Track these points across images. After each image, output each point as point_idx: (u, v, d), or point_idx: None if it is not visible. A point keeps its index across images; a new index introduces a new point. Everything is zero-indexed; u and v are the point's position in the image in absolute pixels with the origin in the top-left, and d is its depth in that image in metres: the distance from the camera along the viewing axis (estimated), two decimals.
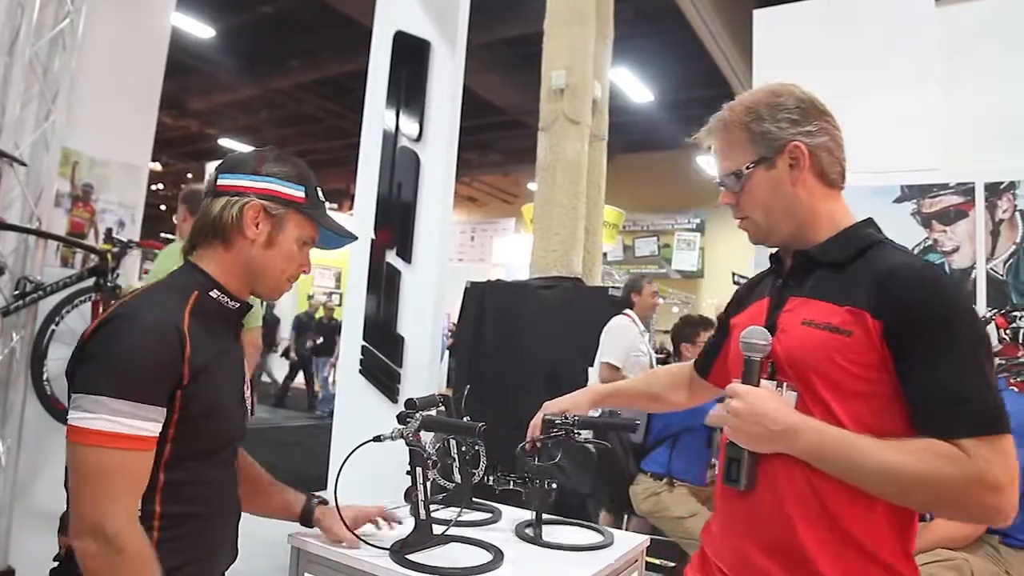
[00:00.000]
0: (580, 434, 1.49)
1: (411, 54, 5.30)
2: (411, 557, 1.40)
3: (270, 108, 15.17)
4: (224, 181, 1.34)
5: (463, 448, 1.73)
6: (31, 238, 3.20)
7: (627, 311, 4.43)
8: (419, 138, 5.04)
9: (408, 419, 1.49)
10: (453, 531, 1.50)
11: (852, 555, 1.10)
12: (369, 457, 1.53)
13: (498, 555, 1.50)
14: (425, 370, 4.81)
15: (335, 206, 19.43)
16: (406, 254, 4.92)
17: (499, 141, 16.00)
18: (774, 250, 1.36)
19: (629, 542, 1.59)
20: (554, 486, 1.50)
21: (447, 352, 9.48)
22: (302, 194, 1.36)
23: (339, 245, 1.48)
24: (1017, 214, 3.70)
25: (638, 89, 11.96)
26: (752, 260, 4.27)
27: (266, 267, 1.33)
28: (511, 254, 14.70)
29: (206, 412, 1.21)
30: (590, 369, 4.84)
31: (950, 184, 3.84)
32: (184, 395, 1.17)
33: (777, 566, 1.14)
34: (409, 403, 1.58)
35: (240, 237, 1.31)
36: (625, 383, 1.74)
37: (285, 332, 12.55)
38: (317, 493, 1.54)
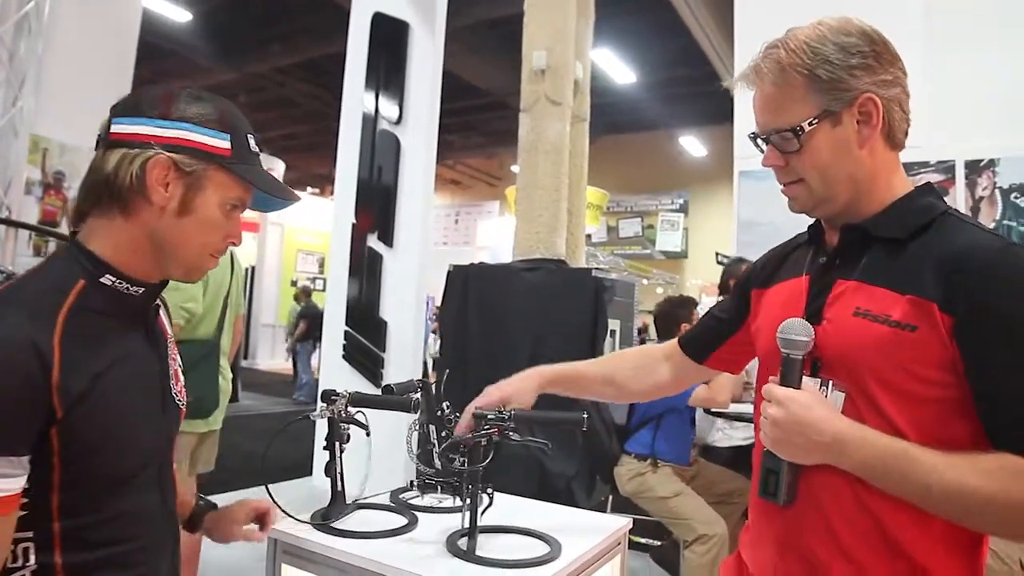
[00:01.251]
0: (514, 433, 1.32)
1: (390, 36, 5.23)
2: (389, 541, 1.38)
3: (248, 92, 14.96)
4: (120, 128, 1.00)
5: (443, 434, 1.70)
6: (2, 228, 3.14)
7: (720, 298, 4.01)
8: (399, 121, 4.98)
9: (334, 397, 1.46)
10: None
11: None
12: (358, 448, 1.51)
13: (412, 519, 1.50)
14: (409, 354, 4.80)
15: (317, 191, 19.30)
16: (388, 238, 4.88)
17: (482, 123, 15.88)
18: (792, 219, 1.19)
19: (611, 525, 1.56)
20: (490, 491, 1.34)
21: (432, 336, 9.46)
22: (227, 144, 1.03)
23: (276, 207, 1.16)
24: (997, 191, 3.71)
25: (620, 70, 11.90)
26: (735, 240, 4.27)
27: (181, 241, 1.02)
28: (496, 237, 14.66)
29: (99, 444, 0.94)
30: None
31: (931, 162, 3.84)
32: (62, 431, 0.90)
33: None
34: (386, 390, 1.56)
35: (143, 203, 0.99)
36: (580, 365, 1.50)
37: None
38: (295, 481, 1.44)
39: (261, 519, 1.37)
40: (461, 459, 1.32)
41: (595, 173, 6.32)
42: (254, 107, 15.95)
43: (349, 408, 1.45)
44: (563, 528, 1.50)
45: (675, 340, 1.46)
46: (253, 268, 14.60)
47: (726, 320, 1.36)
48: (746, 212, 4.19)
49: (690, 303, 3.31)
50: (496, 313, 4.98)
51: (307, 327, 10.60)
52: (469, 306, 5.15)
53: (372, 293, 4.93)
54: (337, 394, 1.46)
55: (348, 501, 1.54)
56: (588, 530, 1.52)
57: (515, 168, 6.02)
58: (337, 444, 1.47)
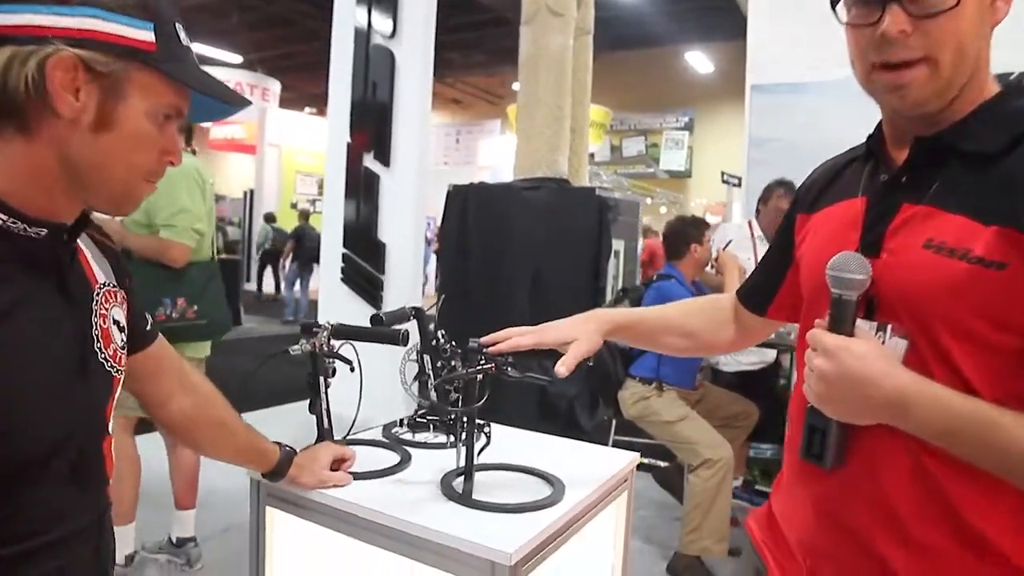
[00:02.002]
0: (512, 368, 1.18)
1: None
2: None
3: (241, 11, 14.40)
4: (8, 17, 0.75)
5: (439, 365, 1.58)
6: None
7: (752, 219, 3.71)
8: (393, 35, 4.71)
9: (315, 328, 1.33)
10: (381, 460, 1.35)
11: (975, 557, 0.81)
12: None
13: (405, 457, 1.39)
14: (408, 277, 4.67)
15: (314, 111, 18.82)
16: (384, 157, 4.67)
17: (483, 40, 15.31)
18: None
19: (617, 461, 1.46)
20: (487, 430, 1.21)
21: (434, 258, 9.35)
22: (150, 35, 0.80)
23: (219, 115, 0.95)
24: None
25: None
26: (746, 158, 4.07)
27: (103, 164, 0.81)
28: (497, 156, 14.36)
29: None
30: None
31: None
32: None
33: (873, 564, 0.86)
34: (375, 319, 1.42)
35: (48, 116, 0.77)
36: (647, 313, 1.29)
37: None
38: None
39: (342, 462, 1.31)
40: (456, 395, 1.20)
41: (598, 90, 6.03)
42: (247, 27, 15.40)
43: (333, 341, 1.32)
44: (566, 464, 1.39)
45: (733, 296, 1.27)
46: (252, 191, 14.38)
47: (777, 258, 1.15)
48: (758, 128, 3.98)
49: (702, 224, 3.15)
50: (497, 234, 4.82)
51: (291, 248, 10.86)
52: (469, 227, 4.98)
53: (370, 215, 4.76)
54: (319, 326, 1.32)
55: (337, 437, 1.43)
56: (593, 466, 1.41)
57: (517, 86, 5.76)
58: (321, 380, 1.34)
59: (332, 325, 1.31)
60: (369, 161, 4.74)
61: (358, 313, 4.62)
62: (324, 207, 5.10)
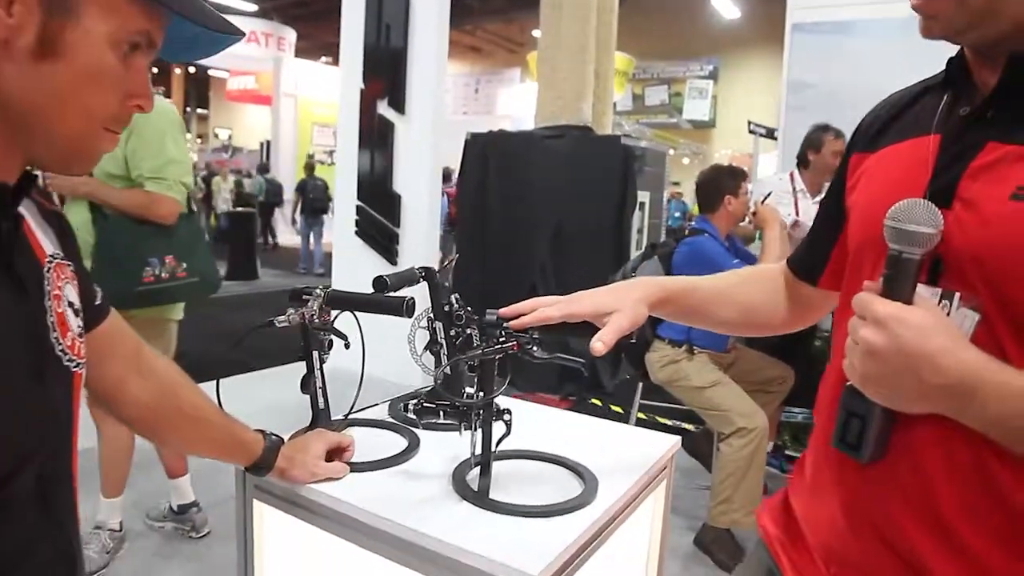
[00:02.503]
0: (538, 348, 0.98)
1: None
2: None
3: None
4: None
5: (452, 333, 1.39)
6: None
7: (794, 171, 3.35)
8: None
9: (305, 296, 1.13)
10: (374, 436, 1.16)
11: None
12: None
13: (413, 442, 1.21)
14: (424, 229, 4.47)
15: (330, 60, 18.42)
16: (399, 104, 4.43)
17: None
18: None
19: (655, 447, 1.26)
20: (507, 418, 0.99)
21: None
22: None
23: (204, 52, 0.76)
24: None
25: None
26: (783, 104, 3.78)
27: (47, 105, 0.62)
28: (518, 106, 14.01)
29: None
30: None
31: None
32: None
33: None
34: (379, 283, 1.22)
35: None
36: (700, 281, 1.07)
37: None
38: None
39: (340, 451, 1.11)
40: (470, 376, 1.00)
41: (620, 38, 5.71)
42: None
43: (326, 310, 1.12)
44: (595, 449, 1.20)
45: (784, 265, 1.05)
46: (268, 143, 14.16)
47: (829, 214, 0.94)
48: (797, 71, 3.69)
49: (739, 174, 2.89)
50: (518, 184, 4.60)
51: (297, 200, 10.82)
52: (488, 177, 4.76)
53: (384, 165, 4.55)
54: (309, 293, 1.12)
55: (337, 417, 1.25)
56: (627, 452, 1.22)
57: (538, 32, 5.45)
58: (316, 355, 1.15)
59: (325, 292, 1.11)
60: (383, 109, 4.50)
61: (373, 267, 4.43)
62: (337, 158, 4.89)
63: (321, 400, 1.19)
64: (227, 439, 1.01)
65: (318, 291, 1.12)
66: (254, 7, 16.26)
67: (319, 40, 18.91)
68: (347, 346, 1.12)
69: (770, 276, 1.07)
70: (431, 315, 1.44)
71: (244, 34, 0.78)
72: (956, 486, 0.67)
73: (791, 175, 3.36)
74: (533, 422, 1.34)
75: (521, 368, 1.25)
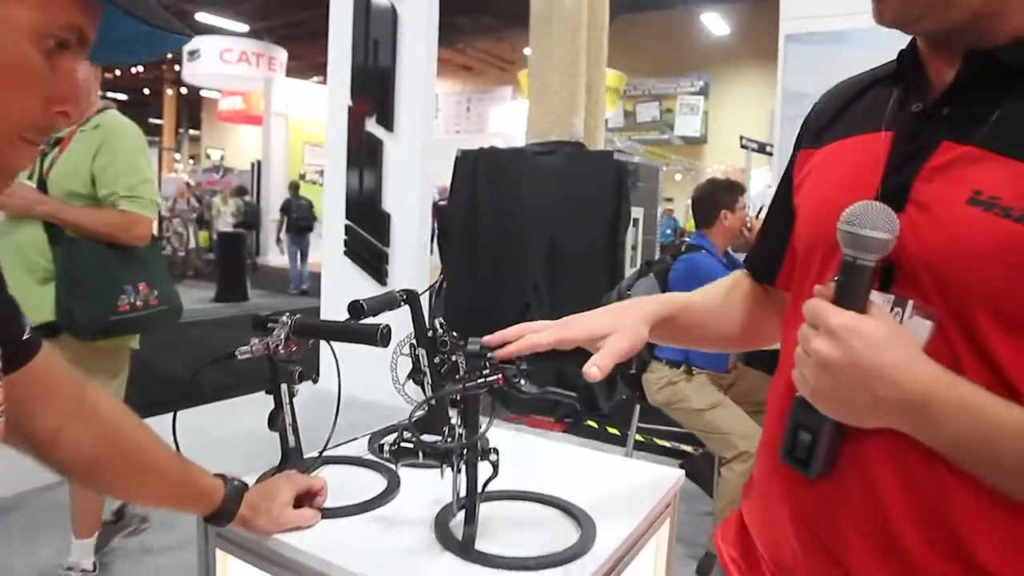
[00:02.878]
0: (526, 381, 0.87)
1: None
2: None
3: None
4: None
5: (436, 360, 1.28)
6: None
7: None
8: None
9: (271, 324, 1.01)
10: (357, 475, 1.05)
11: None
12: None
13: (393, 482, 1.10)
14: (415, 249, 4.37)
15: (321, 79, 18.38)
16: (387, 121, 4.35)
17: (493, 3, 14.81)
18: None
19: (660, 481, 1.16)
20: (494, 458, 0.88)
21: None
22: None
23: (142, 53, 0.66)
24: None
25: None
26: (770, 116, 3.71)
27: None
28: (509, 123, 13.97)
29: None
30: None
31: None
32: None
33: None
34: (354, 308, 1.12)
35: None
36: (692, 296, 0.99)
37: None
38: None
39: (311, 496, 1.00)
40: (452, 413, 0.89)
41: (611, 55, 5.65)
42: None
43: (294, 339, 1.02)
44: (592, 484, 1.10)
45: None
46: (259, 163, 14.07)
47: (779, 211, 0.88)
48: (792, 82, 3.61)
49: (736, 188, 2.80)
50: (509, 201, 4.51)
51: (282, 220, 10.84)
52: (479, 194, 4.67)
53: (373, 183, 4.45)
54: (274, 321, 1.01)
55: (308, 455, 1.14)
56: (628, 489, 1.12)
57: (528, 51, 5.41)
58: (284, 388, 1.04)
59: (292, 319, 1.01)
60: (372, 126, 4.42)
61: (362, 287, 4.32)
62: (325, 177, 4.79)
63: (291, 438, 1.08)
64: (181, 488, 0.90)
65: (284, 319, 1.01)
66: (245, 27, 16.24)
67: (310, 60, 18.89)
68: (315, 381, 1.02)
69: (738, 288, 1.00)
70: (414, 341, 1.34)
71: (192, 35, 0.68)
72: (909, 502, 0.63)
73: None
74: (524, 454, 1.23)
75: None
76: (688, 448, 3.67)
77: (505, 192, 4.58)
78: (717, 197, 2.77)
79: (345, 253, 4.55)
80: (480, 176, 4.73)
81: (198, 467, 0.92)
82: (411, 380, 1.35)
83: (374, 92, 4.38)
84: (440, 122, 16.33)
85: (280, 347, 0.99)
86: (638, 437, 3.12)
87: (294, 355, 1.01)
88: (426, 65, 4.27)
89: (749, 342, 1.05)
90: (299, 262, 10.48)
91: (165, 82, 21.30)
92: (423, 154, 4.31)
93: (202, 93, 20.76)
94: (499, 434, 1.26)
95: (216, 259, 9.32)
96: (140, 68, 19.97)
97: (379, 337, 0.96)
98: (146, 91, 22.38)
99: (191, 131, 24.32)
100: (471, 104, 17.13)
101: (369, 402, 1.34)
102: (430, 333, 1.31)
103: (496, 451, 0.90)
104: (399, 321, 1.33)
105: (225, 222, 11.60)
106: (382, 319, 1.15)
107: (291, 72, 16.65)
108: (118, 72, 20.53)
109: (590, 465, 1.26)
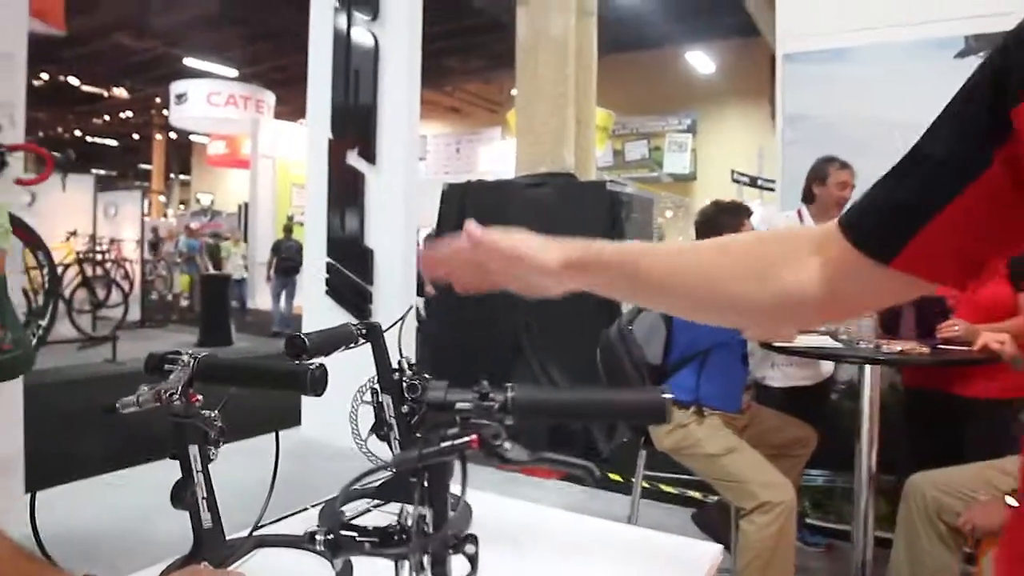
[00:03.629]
0: (511, 446, 0.57)
1: None
2: None
3: (237, 23, 13.94)
4: None
5: (404, 410, 1.03)
6: None
7: (801, 207, 3.07)
8: (375, 17, 4.15)
9: (170, 365, 0.76)
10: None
11: None
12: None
13: (345, 571, 0.82)
14: (399, 286, 4.11)
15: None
16: (369, 153, 4.12)
17: (480, 45, 14.83)
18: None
19: (692, 561, 0.89)
20: (471, 549, 0.59)
21: None
22: None
23: None
24: None
25: None
26: (779, 137, 3.50)
27: None
28: (498, 163, 13.85)
29: None
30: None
31: None
32: None
33: None
34: (293, 344, 0.86)
35: None
36: (640, 249, 0.74)
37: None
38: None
39: None
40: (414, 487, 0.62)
41: (599, 94, 5.49)
42: (245, 39, 14.93)
43: (197, 385, 0.75)
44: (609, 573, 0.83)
45: (832, 223, 0.65)
46: (246, 205, 13.86)
47: (943, 171, 0.55)
48: (792, 104, 3.41)
49: (742, 210, 2.56)
50: None
51: (271, 261, 10.73)
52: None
53: (356, 219, 4.21)
54: (174, 361, 0.75)
55: (234, 535, 0.87)
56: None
57: (516, 92, 5.26)
58: (194, 452, 0.77)
59: (195, 359, 0.75)
60: (353, 159, 4.19)
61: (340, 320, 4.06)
62: (306, 213, 4.55)
63: (206, 517, 0.81)
64: None
65: (185, 357, 0.75)
66: (235, 72, 16.20)
67: (297, 104, 18.79)
68: (218, 444, 0.75)
69: (786, 243, 0.71)
70: (376, 386, 1.08)
71: None
72: None
73: (798, 212, 3.05)
74: (517, 531, 0.97)
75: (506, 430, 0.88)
76: (695, 494, 3.37)
77: (494, 226, 4.34)
78: (720, 221, 2.53)
79: (327, 292, 4.28)
80: (468, 210, 4.50)
81: (59, 571, 0.65)
82: (374, 435, 1.09)
83: (355, 124, 4.17)
84: (429, 163, 16.23)
85: (175, 396, 0.72)
86: (643, 484, 2.83)
87: (194, 408, 0.74)
88: (409, 95, 4.07)
89: (776, 318, 0.73)
90: (283, 303, 10.23)
91: (154, 127, 21.21)
92: (407, 187, 4.08)
93: (191, 138, 20.69)
94: (483, 501, 0.99)
95: (201, 303, 9.04)
96: (129, 113, 19.90)
97: (308, 381, 0.69)
98: (136, 136, 22.27)
99: (181, 176, 24.19)
100: (460, 146, 17.07)
101: (356, 453, 1.09)
102: (396, 376, 1.06)
103: (474, 540, 0.63)
104: (360, 362, 1.08)
105: (235, 264, 11.37)
106: (340, 360, 0.90)
107: (279, 116, 16.58)
108: (107, 117, 20.46)
109: (603, 542, 0.99)
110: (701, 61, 15.71)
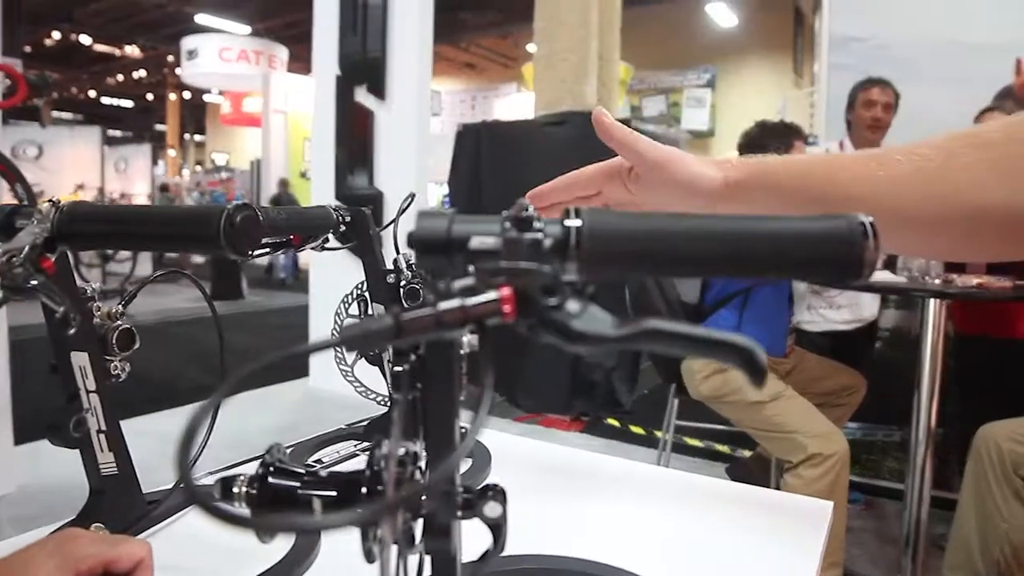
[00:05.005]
0: (567, 303, 0.29)
1: None
2: None
3: None
4: None
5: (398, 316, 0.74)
6: None
7: (844, 139, 2.76)
8: None
9: (23, 220, 0.48)
10: None
11: None
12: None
13: (304, 548, 0.56)
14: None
15: None
16: (379, 88, 3.82)
17: None
18: None
19: (812, 528, 0.62)
20: (492, 513, 0.35)
21: None
22: None
23: None
24: None
25: None
26: (824, 63, 3.17)
27: None
28: (513, 115, 13.47)
29: None
30: None
31: None
32: None
33: None
34: (238, 217, 0.59)
35: None
36: (843, 159, 0.57)
37: None
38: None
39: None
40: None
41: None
42: None
43: (62, 249, 0.48)
44: (697, 538, 0.57)
45: None
46: (259, 161, 13.57)
47: None
48: (840, 25, 3.07)
49: (792, 132, 2.25)
50: (515, 178, 3.96)
51: None
52: (482, 171, 4.14)
53: (364, 160, 3.92)
54: (29, 214, 0.48)
55: (157, 490, 0.61)
56: (747, 541, 0.58)
57: (531, 47, 4.89)
58: (80, 361, 0.51)
59: (59, 207, 0.47)
60: (362, 95, 3.88)
61: (356, 277, 3.81)
62: (312, 153, 4.26)
63: (106, 459, 0.55)
64: None
65: (45, 206, 0.47)
66: (248, 29, 15.77)
67: (311, 58, 18.44)
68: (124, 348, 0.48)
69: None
70: (366, 294, 0.81)
71: None
72: None
73: (840, 144, 2.75)
74: (551, 471, 0.70)
75: (524, 379, 0.61)
76: (723, 448, 3.12)
77: (511, 167, 4.04)
78: (766, 144, 2.22)
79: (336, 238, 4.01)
80: (483, 151, 4.20)
81: None
82: (364, 358, 0.83)
83: (364, 57, 3.86)
84: (444, 119, 15.84)
85: (19, 263, 0.45)
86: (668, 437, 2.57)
87: (48, 283, 0.47)
88: (421, 25, 3.74)
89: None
90: (283, 256, 10.04)
91: (168, 86, 20.84)
92: (419, 123, 3.78)
93: (206, 98, 20.32)
94: (506, 442, 0.73)
95: (211, 258, 8.83)
96: (143, 72, 19.53)
97: (222, 230, 0.42)
98: (150, 96, 21.93)
99: (196, 136, 23.88)
100: (475, 102, 16.64)
101: (364, 403, 0.87)
102: (391, 278, 0.79)
103: (500, 496, 0.36)
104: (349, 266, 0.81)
105: None
106: (336, 270, 0.61)
107: (292, 71, 16.18)
108: (120, 77, 20.10)
109: (693, 498, 0.72)
110: (722, 13, 15.11)
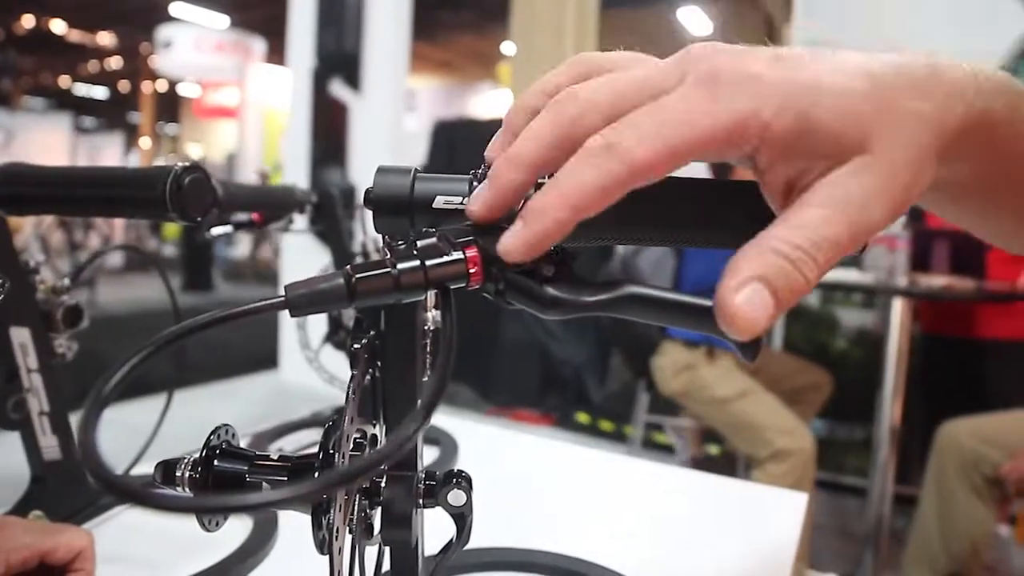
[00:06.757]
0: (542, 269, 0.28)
1: None
2: None
3: None
4: None
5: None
6: None
7: None
8: None
9: None
10: None
11: None
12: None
13: (262, 538, 0.54)
14: None
15: None
16: (353, 79, 3.75)
17: None
18: None
19: (778, 521, 0.60)
20: (456, 502, 0.32)
21: None
22: None
23: None
24: None
25: None
26: None
27: None
28: (489, 111, 13.44)
29: None
30: None
31: None
32: None
33: None
34: (187, 184, 0.55)
35: None
36: None
37: None
38: None
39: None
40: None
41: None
42: None
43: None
44: (663, 527, 0.54)
45: None
46: (233, 155, 13.36)
47: None
48: (805, 32, 3.08)
49: None
50: None
51: None
52: (458, 168, 4.09)
53: (338, 151, 3.86)
54: None
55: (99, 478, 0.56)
56: (732, 534, 0.56)
57: (507, 46, 4.86)
58: (22, 337, 0.47)
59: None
60: (337, 87, 3.82)
61: (327, 267, 3.75)
62: (286, 145, 4.19)
63: (49, 443, 0.51)
64: None
65: None
66: (227, 21, 15.49)
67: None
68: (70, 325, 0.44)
69: None
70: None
71: None
72: None
73: None
74: (520, 466, 0.67)
75: (493, 374, 0.58)
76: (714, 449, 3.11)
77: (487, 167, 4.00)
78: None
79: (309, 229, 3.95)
80: (458, 151, 4.15)
81: None
82: (330, 343, 0.79)
83: (339, 49, 3.79)
84: (420, 117, 15.74)
85: None
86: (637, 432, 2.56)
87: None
88: (397, 16, 3.69)
89: None
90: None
91: (141, 76, 20.41)
92: (395, 115, 3.73)
93: (180, 90, 19.93)
94: (475, 431, 0.70)
95: (185, 249, 8.67)
96: (118, 60, 19.10)
97: (168, 192, 0.38)
98: (124, 86, 21.48)
99: (171, 126, 23.44)
100: (451, 100, 16.60)
101: (336, 395, 0.83)
102: (359, 260, 0.75)
103: (464, 483, 0.33)
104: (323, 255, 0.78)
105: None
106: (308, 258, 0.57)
107: (272, 63, 15.95)
108: (95, 66, 19.65)
109: (663, 488, 0.69)
110: (695, 19, 15.23)
